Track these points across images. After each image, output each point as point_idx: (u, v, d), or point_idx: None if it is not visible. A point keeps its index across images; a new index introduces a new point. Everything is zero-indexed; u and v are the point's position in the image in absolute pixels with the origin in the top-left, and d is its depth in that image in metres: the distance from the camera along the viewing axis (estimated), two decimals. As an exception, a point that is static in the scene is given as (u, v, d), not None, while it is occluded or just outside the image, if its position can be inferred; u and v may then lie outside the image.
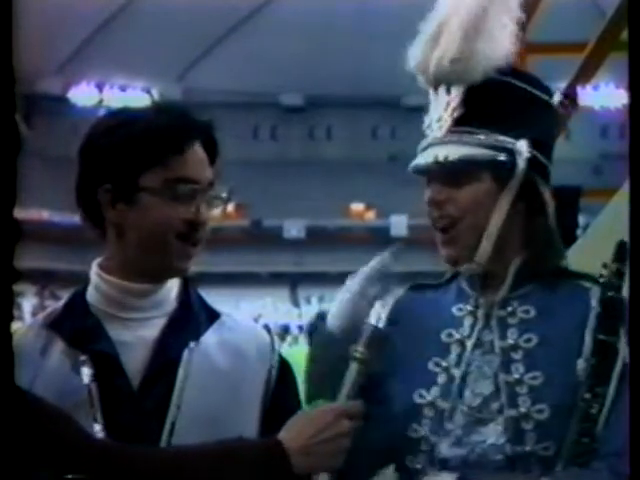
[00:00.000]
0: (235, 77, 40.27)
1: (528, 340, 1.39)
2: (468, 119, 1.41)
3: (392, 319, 1.46)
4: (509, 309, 1.41)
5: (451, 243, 1.42)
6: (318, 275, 40.85)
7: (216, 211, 1.43)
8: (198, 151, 1.41)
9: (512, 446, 1.35)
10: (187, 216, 1.38)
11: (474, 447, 1.36)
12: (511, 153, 1.40)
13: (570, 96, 3.51)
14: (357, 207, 42.11)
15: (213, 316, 1.48)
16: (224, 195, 1.44)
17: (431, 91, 1.47)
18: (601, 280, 1.38)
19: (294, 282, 41.78)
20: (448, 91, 1.43)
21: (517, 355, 1.38)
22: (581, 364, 1.34)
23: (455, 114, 1.42)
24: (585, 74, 3.32)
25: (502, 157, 1.40)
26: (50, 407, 1.26)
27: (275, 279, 40.74)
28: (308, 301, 39.70)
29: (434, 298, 1.50)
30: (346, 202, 41.35)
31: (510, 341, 1.39)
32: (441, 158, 1.39)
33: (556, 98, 1.52)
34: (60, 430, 1.23)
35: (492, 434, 1.36)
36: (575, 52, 3.47)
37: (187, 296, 1.47)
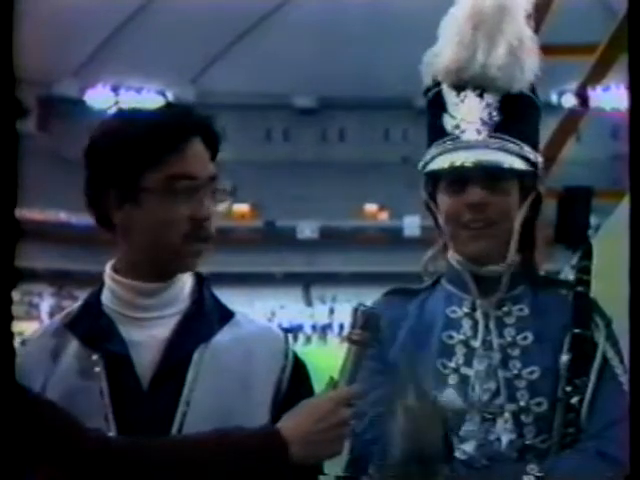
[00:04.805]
0: (248, 79, 40.27)
1: (524, 338, 1.43)
2: (503, 126, 1.44)
3: (371, 324, 1.46)
4: (505, 309, 1.45)
5: (481, 239, 1.43)
6: (331, 275, 40.74)
7: (221, 206, 1.42)
8: (197, 147, 1.40)
9: (517, 440, 1.39)
10: (189, 213, 1.38)
11: (492, 445, 1.39)
12: (534, 164, 1.46)
13: (581, 97, 3.51)
14: (370, 208, 42.01)
15: (227, 316, 1.48)
16: (227, 189, 1.43)
17: (448, 92, 1.46)
18: (571, 278, 1.47)
19: (307, 282, 41.71)
20: (481, 96, 1.44)
21: (514, 352, 1.43)
22: (563, 359, 1.40)
23: (495, 120, 1.44)
24: (596, 76, 3.32)
25: (531, 168, 1.45)
26: (51, 406, 1.26)
27: (289, 279, 40.67)
28: (322, 301, 39.62)
29: (418, 303, 1.51)
30: (359, 203, 41.27)
31: (508, 339, 1.44)
32: (493, 163, 1.41)
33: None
34: (59, 427, 1.23)
35: (503, 431, 1.39)
36: (586, 54, 3.47)
37: (200, 294, 1.47)
